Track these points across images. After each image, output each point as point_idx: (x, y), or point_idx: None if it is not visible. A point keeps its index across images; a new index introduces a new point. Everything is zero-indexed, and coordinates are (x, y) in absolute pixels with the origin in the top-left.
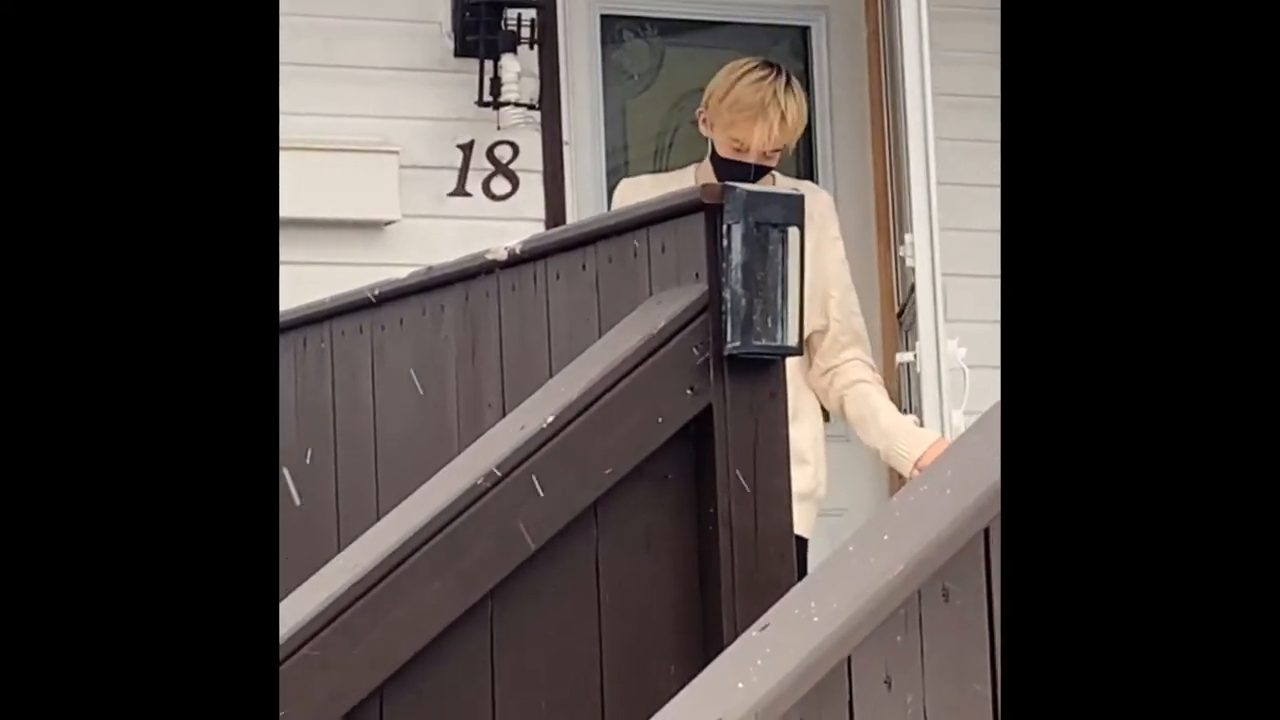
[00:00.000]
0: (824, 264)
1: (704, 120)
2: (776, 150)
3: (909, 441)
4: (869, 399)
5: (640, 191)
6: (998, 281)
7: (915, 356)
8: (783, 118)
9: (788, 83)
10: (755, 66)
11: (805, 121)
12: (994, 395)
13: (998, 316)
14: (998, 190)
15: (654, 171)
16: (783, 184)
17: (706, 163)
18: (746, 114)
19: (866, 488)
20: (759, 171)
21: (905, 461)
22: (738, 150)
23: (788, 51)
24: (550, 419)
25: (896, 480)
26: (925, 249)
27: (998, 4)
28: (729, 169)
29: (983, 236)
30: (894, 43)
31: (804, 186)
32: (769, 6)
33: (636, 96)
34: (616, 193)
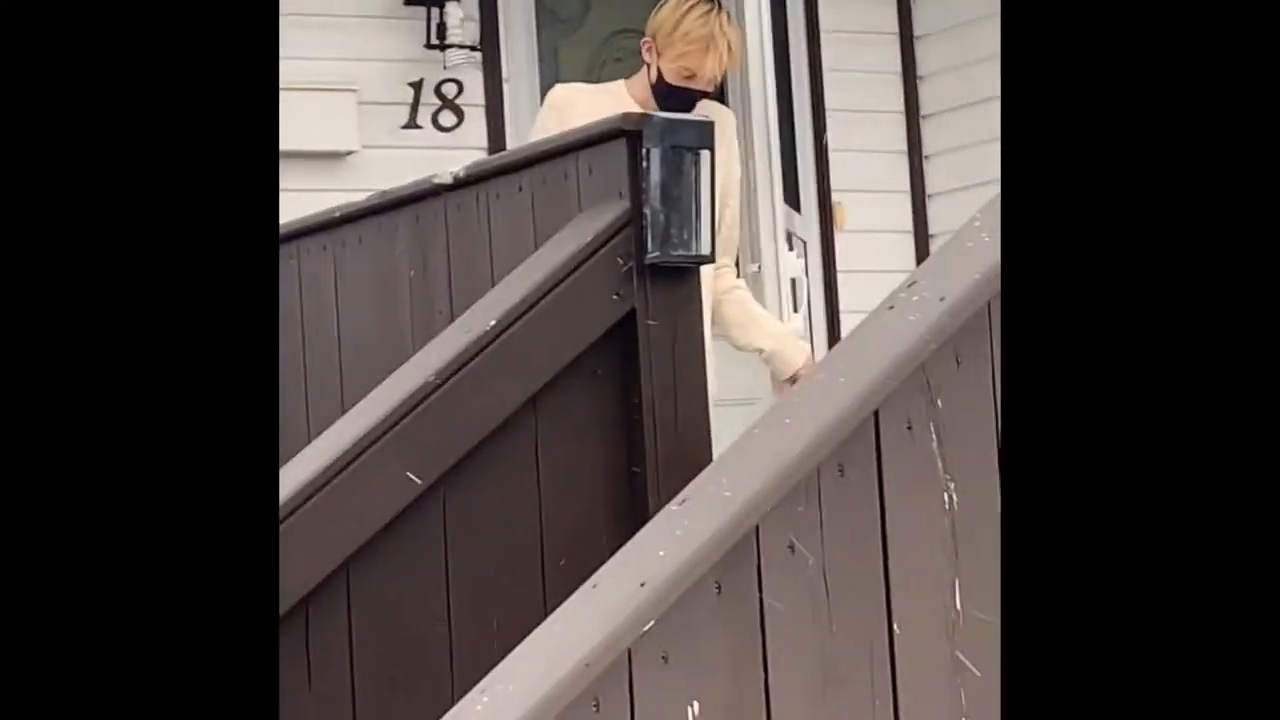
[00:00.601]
0: (726, 179)
1: (649, 49)
2: (719, 78)
3: (794, 350)
4: (746, 305)
5: (577, 92)
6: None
7: (759, 267)
8: (729, 48)
9: (728, 17)
10: (698, 1)
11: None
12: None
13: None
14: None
15: None
16: (698, 107)
17: (640, 79)
18: (697, 45)
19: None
20: (700, 96)
21: (789, 367)
22: (688, 78)
23: None
24: (492, 323)
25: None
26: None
27: None
28: (675, 95)
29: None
30: None
31: (714, 107)
32: None
33: (567, 38)
34: (551, 95)
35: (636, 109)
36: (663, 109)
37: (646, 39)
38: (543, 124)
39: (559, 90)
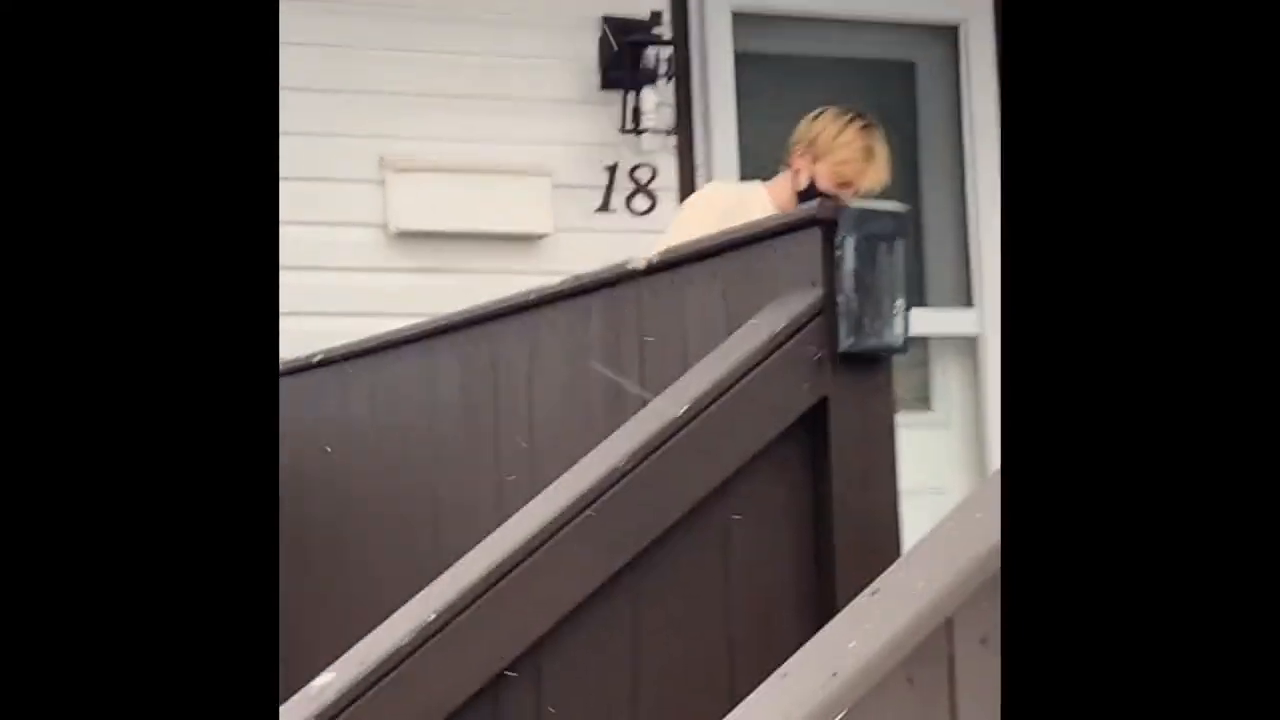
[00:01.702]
0: None
1: (802, 154)
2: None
3: None
4: None
5: (732, 193)
6: None
7: None
8: (887, 165)
9: (885, 135)
10: (857, 114)
11: None
12: None
13: None
14: None
15: None
16: None
17: (782, 183)
18: (860, 154)
19: (960, 469)
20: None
21: None
22: (842, 186)
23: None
24: (685, 408)
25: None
26: None
27: None
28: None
29: None
30: None
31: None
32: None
33: (764, 123)
34: (708, 188)
35: (771, 208)
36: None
37: (799, 144)
38: (690, 215)
39: (713, 189)
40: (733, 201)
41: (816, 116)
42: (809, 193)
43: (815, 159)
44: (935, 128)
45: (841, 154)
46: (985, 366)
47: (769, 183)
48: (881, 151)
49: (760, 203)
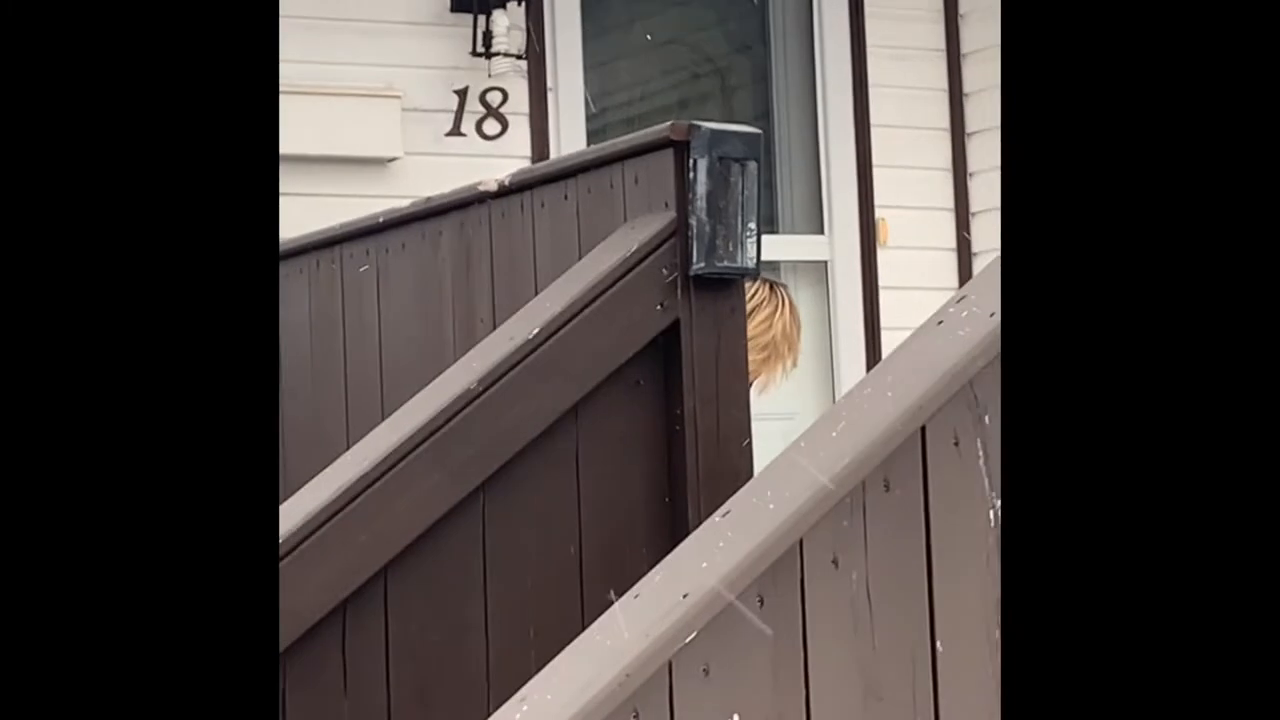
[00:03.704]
0: None
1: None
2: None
3: None
4: None
5: None
6: None
7: None
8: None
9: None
10: (761, 299)
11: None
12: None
13: None
14: None
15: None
16: None
17: None
18: (764, 354)
19: (811, 396)
20: None
21: None
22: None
23: None
24: (535, 330)
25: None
26: None
27: None
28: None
29: None
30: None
31: None
32: None
33: (614, 49)
34: None
35: None
36: None
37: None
38: None
39: None
40: None
41: None
42: None
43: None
44: (787, 55)
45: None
46: (835, 292)
47: None
48: (785, 342)
49: None
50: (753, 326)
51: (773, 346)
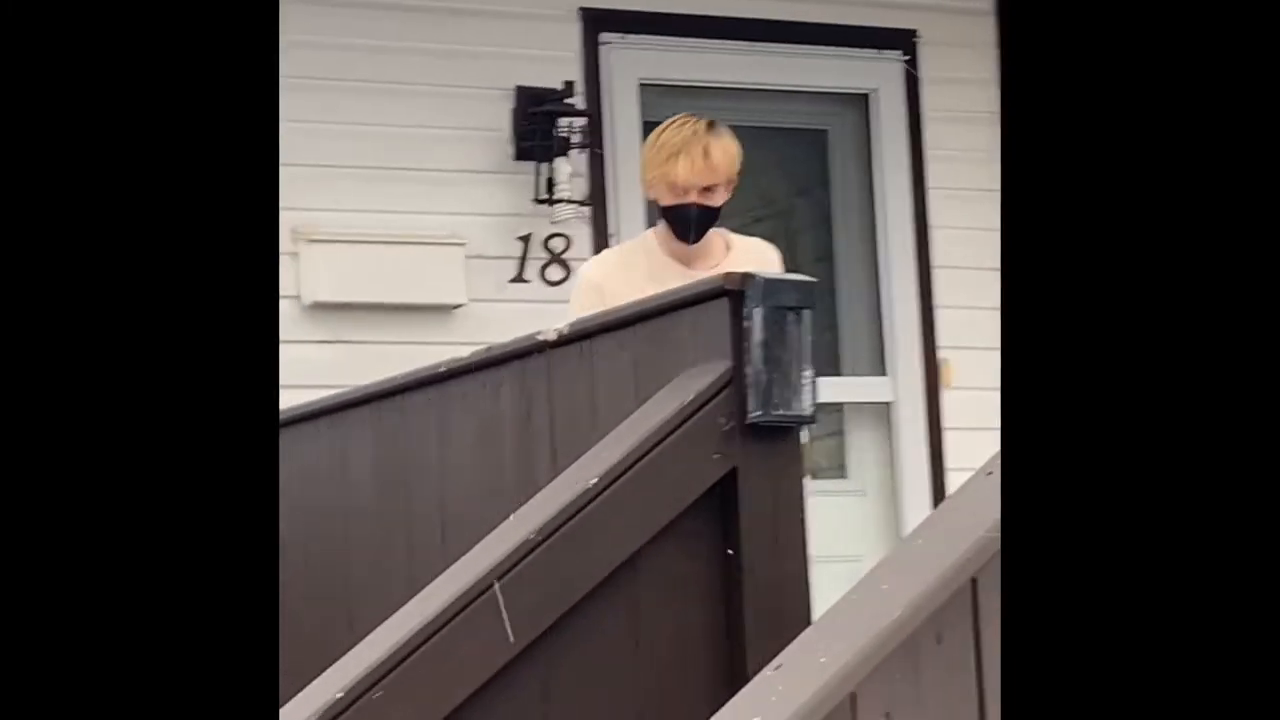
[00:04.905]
0: None
1: (647, 184)
2: (708, 188)
3: None
4: None
5: (606, 265)
6: None
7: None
8: (705, 153)
9: (710, 126)
10: (680, 116)
11: (736, 163)
12: None
13: None
14: None
15: None
16: (736, 242)
17: (660, 224)
18: (671, 152)
19: (876, 537)
20: (702, 213)
21: None
22: (674, 192)
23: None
24: (594, 480)
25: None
26: None
27: None
28: (674, 214)
29: None
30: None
31: (755, 245)
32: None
33: None
34: (585, 269)
35: (660, 252)
36: (675, 233)
37: (642, 174)
38: (573, 300)
39: (590, 268)
40: (611, 267)
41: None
42: (665, 212)
43: (650, 182)
44: (847, 196)
45: (656, 160)
46: (899, 433)
47: (655, 227)
48: (700, 142)
49: (645, 248)
50: (666, 133)
51: (681, 145)
